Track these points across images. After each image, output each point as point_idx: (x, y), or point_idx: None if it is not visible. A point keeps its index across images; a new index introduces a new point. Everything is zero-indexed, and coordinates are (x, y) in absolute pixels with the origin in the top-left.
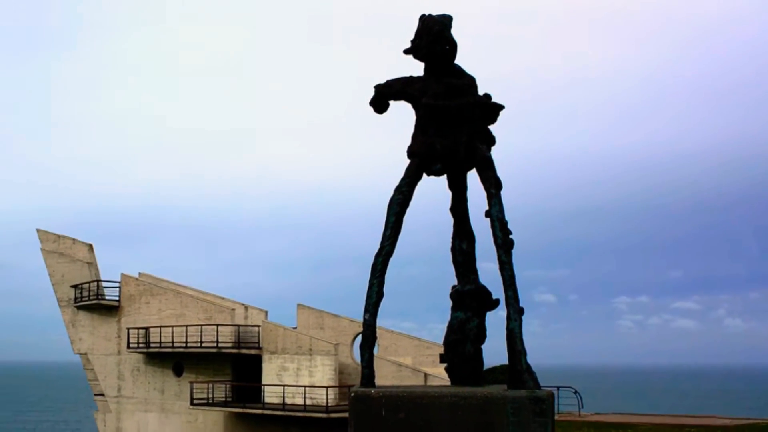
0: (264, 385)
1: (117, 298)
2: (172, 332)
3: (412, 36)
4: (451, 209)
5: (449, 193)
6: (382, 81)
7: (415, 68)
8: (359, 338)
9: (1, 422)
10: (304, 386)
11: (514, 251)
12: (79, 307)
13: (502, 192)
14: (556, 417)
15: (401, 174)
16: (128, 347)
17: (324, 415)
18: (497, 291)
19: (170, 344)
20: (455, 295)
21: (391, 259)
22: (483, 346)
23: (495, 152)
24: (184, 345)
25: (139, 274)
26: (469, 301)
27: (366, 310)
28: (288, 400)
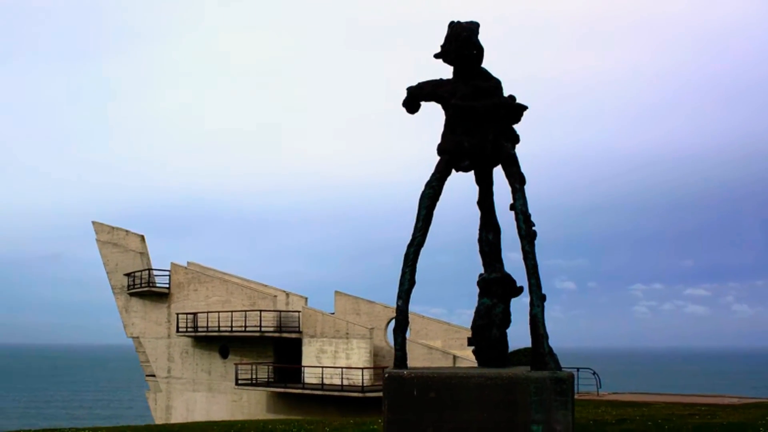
0: (304, 366)
1: (167, 286)
2: (219, 317)
3: (441, 41)
4: (479, 203)
5: (476, 188)
6: (414, 83)
7: (445, 71)
8: (393, 323)
9: (60, 400)
10: (341, 368)
11: (536, 242)
12: (131, 294)
13: (526, 187)
14: (576, 396)
15: (432, 170)
16: (177, 331)
17: (360, 395)
18: (521, 279)
19: (216, 329)
20: (482, 282)
21: (422, 249)
22: (508, 331)
23: (519, 150)
24: (229, 329)
25: (188, 263)
26: (495, 289)
27: (399, 297)
28: (326, 381)
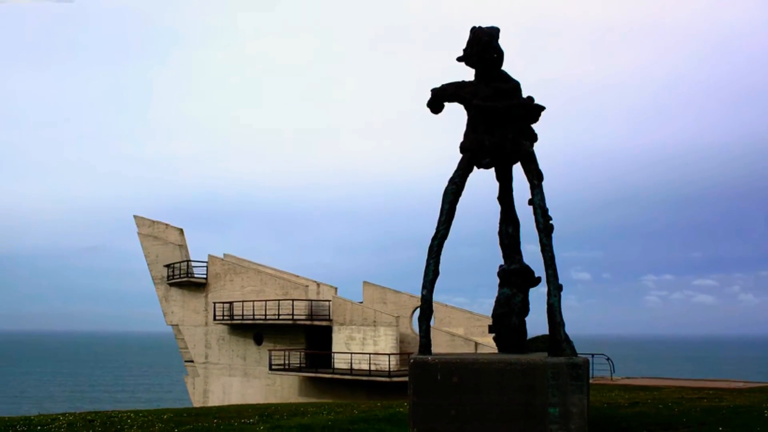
0: (333, 352)
1: (204, 276)
2: (253, 306)
3: (463, 45)
4: (499, 198)
5: (497, 184)
6: (438, 85)
7: (467, 73)
8: (417, 311)
9: (104, 384)
10: (369, 353)
11: (553, 235)
12: (171, 284)
13: (544, 183)
14: (591, 381)
15: (454, 167)
16: (214, 319)
17: (386, 379)
18: (539, 270)
19: (251, 317)
20: (502, 273)
21: (446, 242)
22: (526, 319)
23: (538, 148)
24: (263, 317)
25: (224, 255)
26: (514, 279)
27: (423, 287)
28: (355, 366)
